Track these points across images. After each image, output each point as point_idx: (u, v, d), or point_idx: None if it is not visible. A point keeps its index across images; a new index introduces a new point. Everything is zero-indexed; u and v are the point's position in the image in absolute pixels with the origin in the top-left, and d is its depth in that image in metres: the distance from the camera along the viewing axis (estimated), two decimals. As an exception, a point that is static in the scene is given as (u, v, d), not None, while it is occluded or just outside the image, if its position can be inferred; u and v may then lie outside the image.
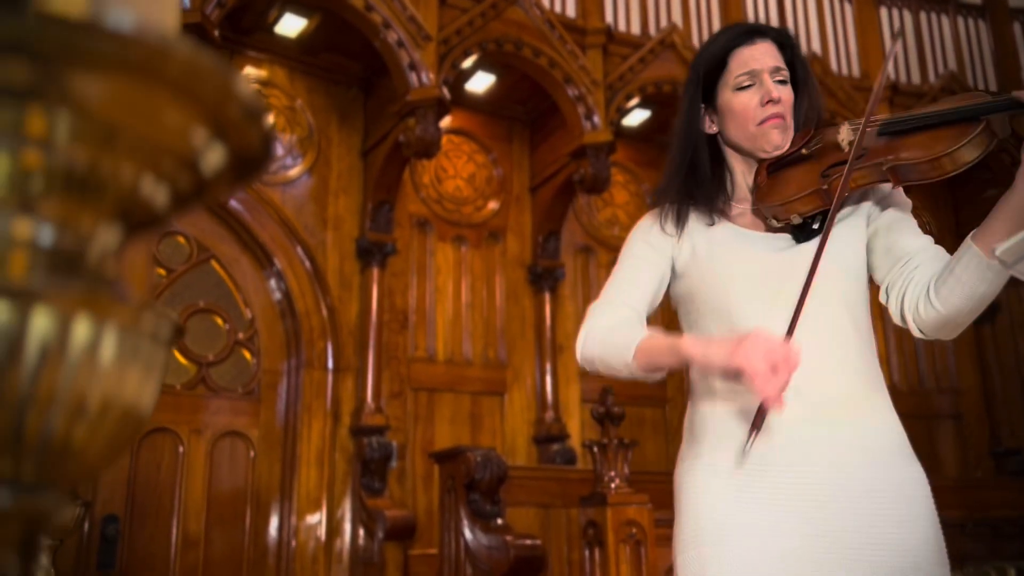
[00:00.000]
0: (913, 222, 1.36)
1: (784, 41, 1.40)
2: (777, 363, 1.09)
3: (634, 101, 5.53)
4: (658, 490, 3.24)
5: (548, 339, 5.58)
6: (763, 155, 1.39)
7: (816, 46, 6.21)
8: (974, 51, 6.57)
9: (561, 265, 5.77)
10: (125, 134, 0.36)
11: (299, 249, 4.99)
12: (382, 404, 4.93)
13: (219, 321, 4.82)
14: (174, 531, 4.41)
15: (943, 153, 1.21)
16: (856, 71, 6.29)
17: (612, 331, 1.34)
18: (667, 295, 1.46)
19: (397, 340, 5.19)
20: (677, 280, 1.42)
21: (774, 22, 6.15)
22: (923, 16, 6.56)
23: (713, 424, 1.32)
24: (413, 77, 4.63)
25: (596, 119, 5.24)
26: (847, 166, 1.26)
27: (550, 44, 5.15)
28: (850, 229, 1.35)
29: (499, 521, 3.63)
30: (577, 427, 5.53)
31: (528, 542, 3.43)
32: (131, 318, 0.34)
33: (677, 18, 5.80)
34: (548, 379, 5.51)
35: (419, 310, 5.36)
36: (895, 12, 6.49)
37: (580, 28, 5.40)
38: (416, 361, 5.25)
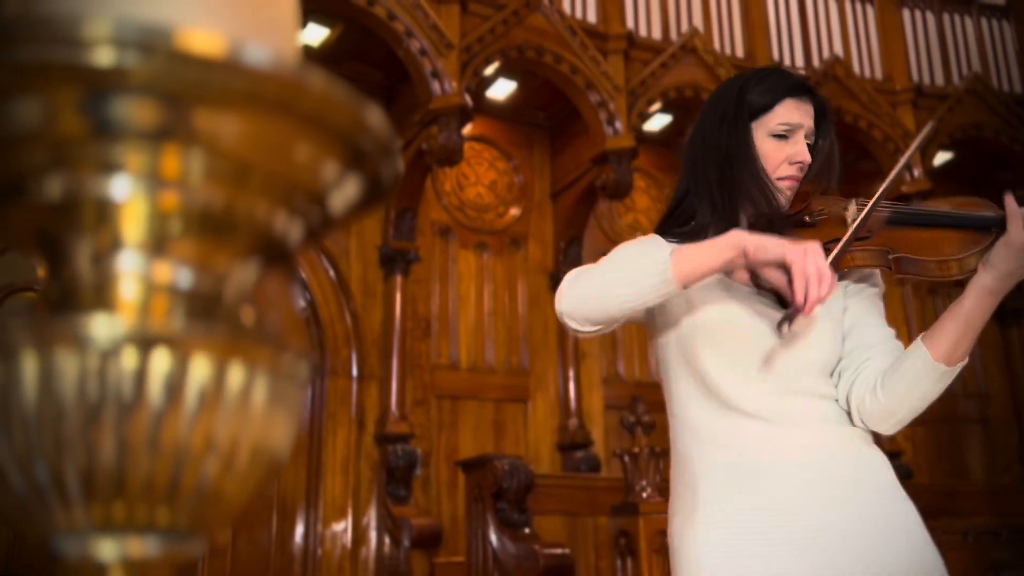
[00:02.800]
0: (880, 311, 1.37)
1: (822, 110, 1.40)
2: (821, 274, 1.10)
3: (656, 106, 5.52)
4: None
5: (571, 346, 5.57)
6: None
7: (838, 48, 6.17)
8: (998, 52, 6.52)
9: (583, 271, 5.75)
10: (258, 171, 0.36)
11: (322, 257, 5.00)
12: (406, 412, 4.93)
13: (244, 330, 4.83)
14: (201, 539, 4.42)
15: (952, 257, 1.23)
16: (879, 73, 6.25)
17: (613, 262, 1.26)
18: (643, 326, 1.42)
19: (420, 347, 5.19)
20: (659, 309, 1.36)
21: (796, 25, 6.13)
22: (946, 17, 6.51)
23: (704, 472, 1.29)
24: (436, 85, 4.64)
25: (618, 125, 5.22)
26: (843, 242, 1.25)
27: (571, 50, 5.14)
28: (829, 313, 1.34)
29: (527, 530, 3.62)
30: (601, 434, 5.51)
31: (557, 551, 3.42)
32: (276, 361, 0.33)
33: (698, 23, 5.78)
34: (571, 386, 5.50)
35: (442, 317, 5.36)
36: (918, 13, 6.45)
37: (601, 34, 5.40)
38: (439, 368, 5.25)
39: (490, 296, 5.56)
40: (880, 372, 1.29)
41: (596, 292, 1.22)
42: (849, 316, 1.36)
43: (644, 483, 2.90)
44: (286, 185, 0.36)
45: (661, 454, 2.94)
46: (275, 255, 0.38)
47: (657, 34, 5.69)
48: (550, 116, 5.82)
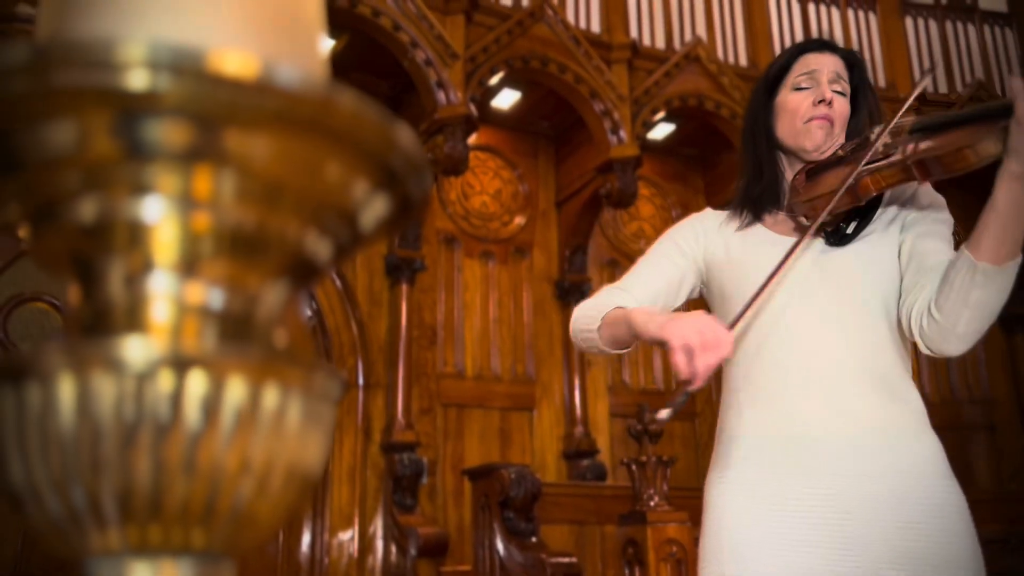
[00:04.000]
0: (942, 233, 1.34)
1: (854, 61, 1.41)
2: (706, 344, 1.10)
3: (660, 115, 5.53)
4: (695, 507, 3.20)
5: (576, 354, 5.56)
6: (804, 155, 1.39)
7: (842, 56, 6.18)
8: (1000, 59, 6.52)
9: (588, 280, 5.75)
10: (289, 190, 0.36)
11: (328, 267, 5.01)
12: (412, 420, 4.93)
13: (250, 339, 4.84)
14: (207, 550, 4.41)
15: (966, 145, 1.22)
16: (882, 81, 6.25)
17: (595, 304, 1.37)
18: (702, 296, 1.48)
19: (426, 356, 5.19)
20: (710, 280, 1.43)
21: (798, 33, 6.14)
22: (948, 25, 6.51)
23: (740, 437, 1.31)
24: (441, 95, 4.65)
25: (622, 133, 5.23)
26: (863, 163, 1.28)
27: (576, 60, 5.15)
28: (883, 234, 1.35)
29: (534, 539, 3.61)
30: (606, 442, 5.50)
31: (564, 560, 3.41)
32: (309, 381, 0.33)
33: (702, 32, 5.79)
34: (577, 394, 5.49)
35: (447, 326, 5.36)
36: (920, 21, 6.46)
37: (605, 43, 5.41)
38: (445, 377, 5.24)
39: (495, 304, 5.56)
40: (934, 292, 1.24)
41: (577, 331, 1.39)
42: (906, 248, 1.33)
43: (652, 492, 2.89)
44: (317, 204, 0.36)
45: (668, 463, 2.94)
46: (305, 274, 0.38)
47: (661, 43, 5.70)
48: (554, 125, 5.83)
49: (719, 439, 1.37)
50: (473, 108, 4.76)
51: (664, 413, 1.16)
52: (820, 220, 1.29)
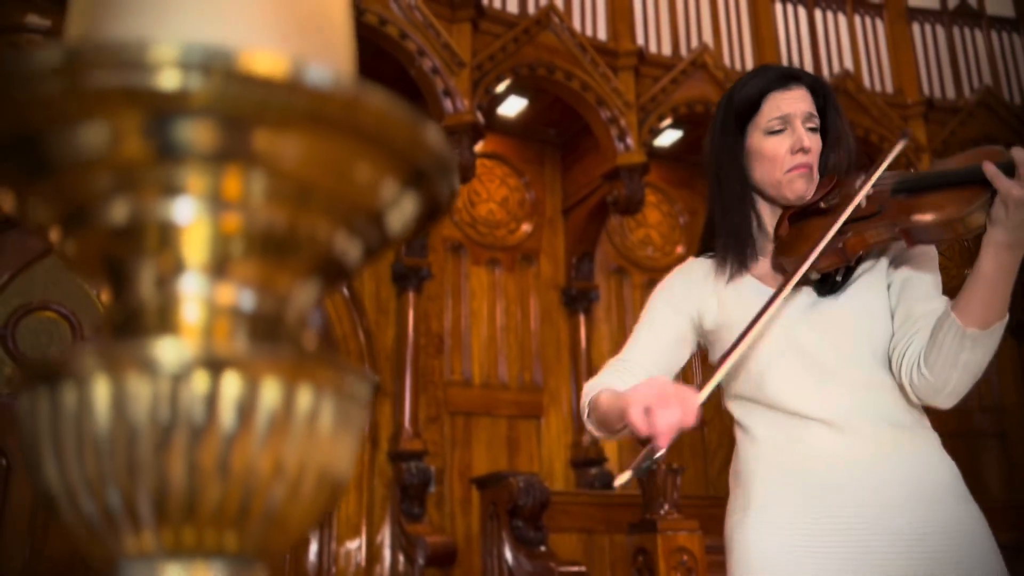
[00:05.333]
0: (929, 279, 1.33)
1: (817, 88, 1.39)
2: (665, 401, 1.07)
3: (666, 122, 5.53)
4: (705, 515, 3.19)
5: (584, 361, 5.55)
6: (785, 202, 1.38)
7: (848, 62, 6.17)
8: (1008, 64, 6.50)
9: (595, 287, 5.75)
10: (319, 191, 0.36)
11: (335, 275, 5.01)
12: (420, 429, 4.92)
13: (257, 347, 4.84)
14: (215, 558, 4.40)
15: (955, 218, 1.19)
16: (889, 87, 6.24)
17: (590, 388, 1.35)
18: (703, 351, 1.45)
19: (433, 364, 5.18)
20: (707, 336, 1.40)
21: (805, 39, 6.14)
22: (955, 31, 6.50)
23: (760, 475, 1.30)
24: (448, 103, 4.66)
25: (629, 140, 5.23)
26: (846, 219, 1.25)
27: (582, 67, 5.16)
28: (872, 275, 1.34)
29: (543, 547, 3.60)
30: (614, 450, 5.48)
31: (574, 569, 3.39)
32: (340, 382, 0.33)
33: (708, 38, 5.80)
34: (585, 402, 5.48)
35: (454, 334, 5.35)
36: (927, 27, 6.45)
37: (612, 51, 5.41)
38: (452, 385, 5.24)
39: (502, 312, 5.56)
40: (923, 347, 1.25)
41: (591, 426, 1.34)
42: (895, 290, 1.33)
43: (662, 500, 2.88)
44: (346, 204, 0.36)
45: (678, 471, 2.93)
46: (335, 274, 0.37)
47: (667, 50, 5.70)
48: (561, 132, 5.84)
49: (735, 476, 1.36)
50: (480, 116, 4.77)
51: (623, 477, 1.11)
52: (802, 274, 1.27)
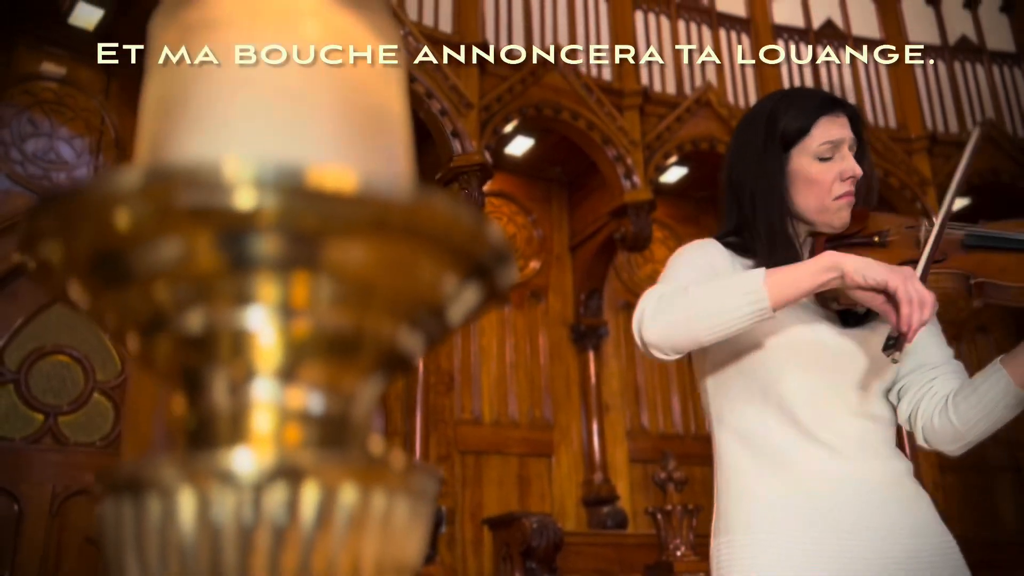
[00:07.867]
0: (938, 330, 1.36)
1: (855, 118, 1.41)
2: (923, 301, 1.09)
3: (672, 159, 5.58)
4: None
5: (594, 398, 5.54)
6: (828, 229, 1.36)
7: (851, 98, 6.23)
8: (1011, 98, 6.57)
9: (604, 323, 5.76)
10: (383, 291, 0.38)
11: (346, 315, 5.03)
12: (430, 469, 4.91)
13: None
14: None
15: None
16: (892, 122, 6.30)
17: (699, 285, 1.19)
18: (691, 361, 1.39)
19: (443, 402, 5.18)
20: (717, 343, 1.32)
21: (808, 77, 6.20)
22: (957, 66, 6.58)
23: (759, 496, 1.27)
24: (456, 144, 4.72)
25: (635, 178, 5.28)
26: (923, 265, 1.21)
27: (588, 107, 5.23)
28: (885, 324, 1.34)
29: (557, 589, 3.57)
30: (626, 488, 5.45)
31: (588, 611, 3.36)
32: (410, 482, 0.35)
33: (711, 76, 5.87)
34: (595, 439, 5.46)
35: (464, 371, 5.36)
36: (929, 62, 6.52)
37: (617, 90, 5.49)
38: (462, 423, 5.23)
39: (512, 349, 5.57)
40: (949, 393, 1.26)
41: (684, 322, 1.16)
42: None
43: (678, 541, 2.86)
44: (409, 302, 0.38)
45: (694, 511, 2.91)
46: (397, 367, 0.39)
47: (672, 89, 5.78)
48: (567, 171, 5.89)
49: (728, 498, 1.32)
50: (488, 156, 4.82)
51: (896, 355, 1.12)
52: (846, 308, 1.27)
